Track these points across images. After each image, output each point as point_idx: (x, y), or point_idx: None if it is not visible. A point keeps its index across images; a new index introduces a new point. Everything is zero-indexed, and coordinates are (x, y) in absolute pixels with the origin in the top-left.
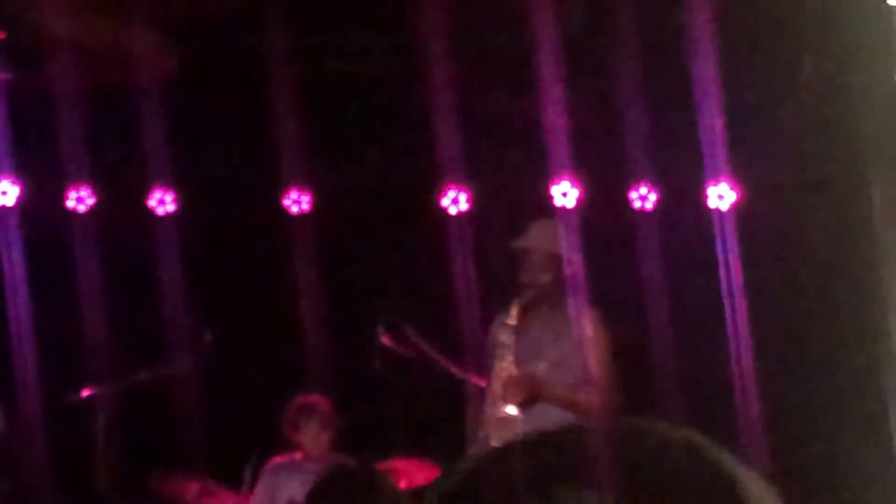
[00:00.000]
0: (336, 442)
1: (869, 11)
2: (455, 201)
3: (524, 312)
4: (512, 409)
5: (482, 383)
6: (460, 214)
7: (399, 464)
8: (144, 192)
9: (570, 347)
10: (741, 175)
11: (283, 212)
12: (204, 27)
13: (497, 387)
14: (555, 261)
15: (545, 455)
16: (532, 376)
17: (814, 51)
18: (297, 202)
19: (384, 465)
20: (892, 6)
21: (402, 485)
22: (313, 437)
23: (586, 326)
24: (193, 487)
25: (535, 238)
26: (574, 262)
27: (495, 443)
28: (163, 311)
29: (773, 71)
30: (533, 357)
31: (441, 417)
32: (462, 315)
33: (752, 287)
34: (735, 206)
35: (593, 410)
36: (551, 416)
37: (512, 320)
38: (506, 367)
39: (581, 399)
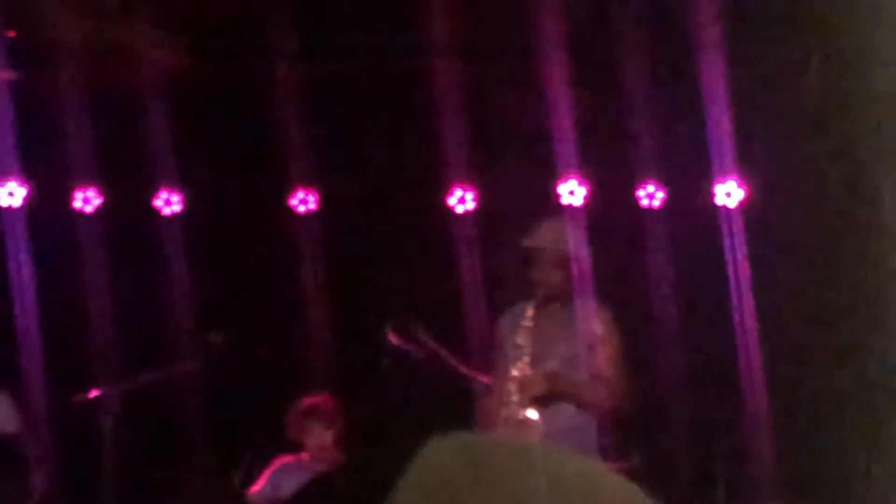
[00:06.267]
0: (341, 442)
1: (877, 11)
2: (462, 200)
3: (536, 312)
4: (532, 413)
5: (490, 382)
6: (467, 213)
7: None
8: (151, 193)
9: (581, 345)
10: (749, 173)
11: (290, 211)
12: (210, 28)
13: (512, 388)
14: (565, 259)
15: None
16: (547, 373)
17: (821, 49)
18: (303, 202)
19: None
20: None
21: None
22: (318, 438)
23: (596, 324)
24: None
25: (546, 237)
26: (581, 260)
27: None
28: (169, 311)
29: (780, 69)
30: (545, 355)
31: (449, 416)
32: (469, 313)
33: (759, 285)
34: (742, 204)
35: (604, 407)
36: (567, 417)
37: (527, 322)
38: (521, 368)
39: (593, 396)
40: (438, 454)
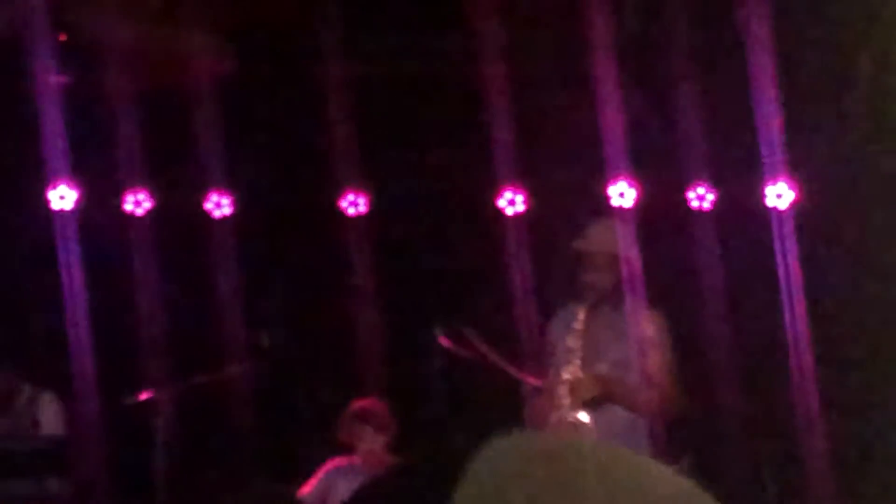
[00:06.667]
0: (392, 445)
1: None
2: (512, 202)
3: (587, 315)
4: (583, 416)
5: (540, 384)
6: (517, 215)
7: None
8: (201, 195)
9: (632, 348)
10: (799, 174)
11: (340, 214)
12: (260, 30)
13: (564, 391)
14: (616, 262)
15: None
16: (598, 376)
17: (871, 50)
18: (353, 204)
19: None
20: None
21: None
22: (369, 441)
23: (648, 326)
24: None
25: (597, 240)
26: (632, 262)
27: None
28: (220, 314)
29: (830, 70)
30: (595, 358)
31: (499, 419)
32: (519, 316)
33: (810, 286)
34: (793, 206)
35: (655, 410)
36: (618, 419)
37: (579, 325)
38: (572, 370)
39: (644, 398)
40: (499, 453)
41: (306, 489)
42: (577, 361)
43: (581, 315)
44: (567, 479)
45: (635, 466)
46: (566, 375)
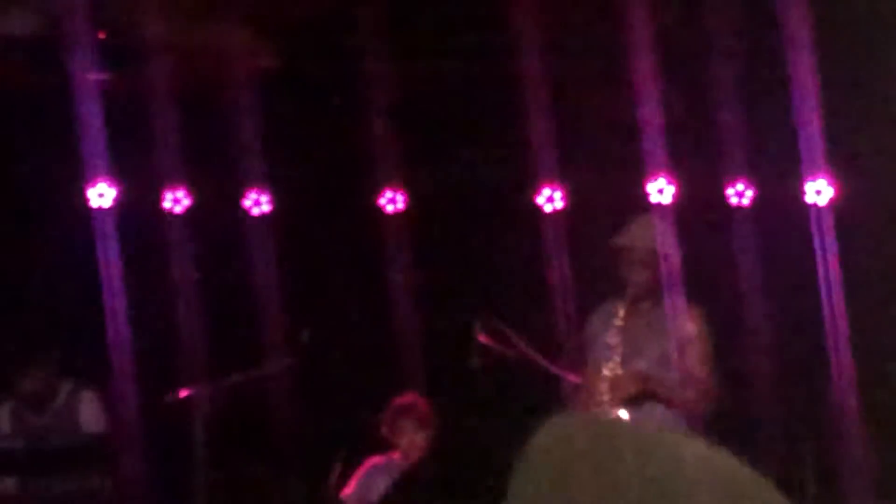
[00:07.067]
0: (432, 442)
1: None
2: (550, 199)
3: (627, 311)
4: (623, 413)
5: (579, 381)
6: (555, 212)
7: None
8: (240, 193)
9: (672, 345)
10: (839, 171)
11: (379, 211)
12: (299, 28)
13: (604, 388)
14: (655, 257)
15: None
16: (638, 373)
17: None
18: (392, 201)
19: None
20: None
21: None
22: (410, 438)
23: (688, 323)
24: None
25: (636, 235)
26: (671, 258)
27: None
28: (259, 311)
29: (870, 66)
30: (635, 355)
31: (538, 416)
32: (558, 312)
33: (849, 283)
34: (833, 202)
35: (695, 407)
36: (657, 416)
37: (619, 321)
38: (612, 367)
39: (683, 396)
40: (557, 433)
41: (348, 490)
42: (617, 358)
43: (621, 311)
44: (636, 462)
45: (706, 454)
46: (606, 372)
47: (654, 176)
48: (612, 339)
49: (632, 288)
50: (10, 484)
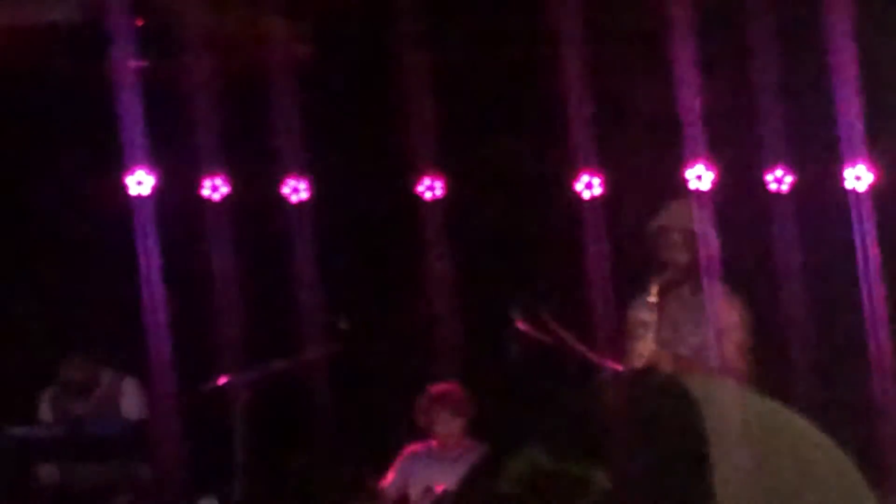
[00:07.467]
0: (469, 429)
1: None
2: (589, 186)
3: (663, 293)
4: None
5: (618, 368)
6: (594, 199)
7: None
8: (278, 180)
9: (711, 332)
10: (878, 157)
11: (417, 198)
12: (338, 15)
13: (639, 365)
14: (693, 239)
15: None
16: (676, 355)
17: None
18: (430, 188)
19: None
20: None
21: None
22: (447, 425)
23: (727, 311)
24: None
25: (674, 217)
26: (710, 243)
27: None
28: (297, 299)
29: None
30: (674, 342)
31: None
32: (597, 300)
33: (888, 269)
34: (872, 188)
35: None
36: None
37: (653, 298)
38: (647, 345)
39: None
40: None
41: (387, 481)
42: (651, 335)
43: (654, 289)
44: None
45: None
46: (641, 350)
47: (693, 162)
48: (647, 315)
49: (669, 269)
50: (51, 471)
